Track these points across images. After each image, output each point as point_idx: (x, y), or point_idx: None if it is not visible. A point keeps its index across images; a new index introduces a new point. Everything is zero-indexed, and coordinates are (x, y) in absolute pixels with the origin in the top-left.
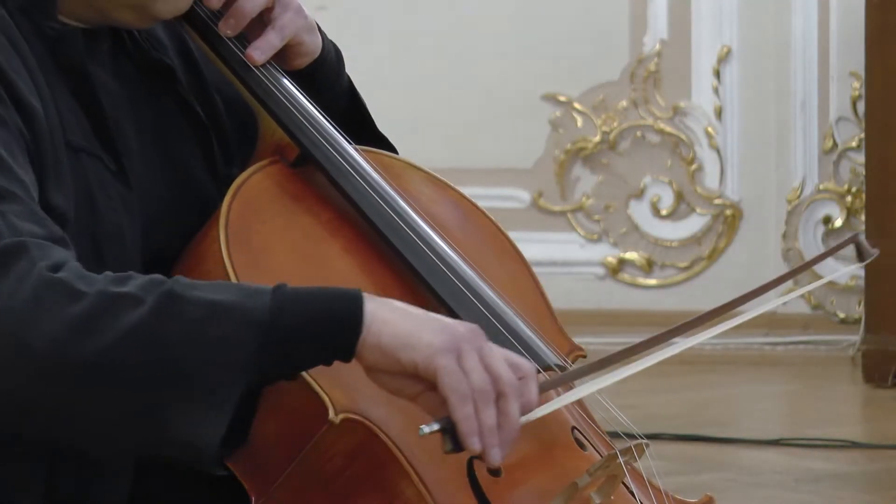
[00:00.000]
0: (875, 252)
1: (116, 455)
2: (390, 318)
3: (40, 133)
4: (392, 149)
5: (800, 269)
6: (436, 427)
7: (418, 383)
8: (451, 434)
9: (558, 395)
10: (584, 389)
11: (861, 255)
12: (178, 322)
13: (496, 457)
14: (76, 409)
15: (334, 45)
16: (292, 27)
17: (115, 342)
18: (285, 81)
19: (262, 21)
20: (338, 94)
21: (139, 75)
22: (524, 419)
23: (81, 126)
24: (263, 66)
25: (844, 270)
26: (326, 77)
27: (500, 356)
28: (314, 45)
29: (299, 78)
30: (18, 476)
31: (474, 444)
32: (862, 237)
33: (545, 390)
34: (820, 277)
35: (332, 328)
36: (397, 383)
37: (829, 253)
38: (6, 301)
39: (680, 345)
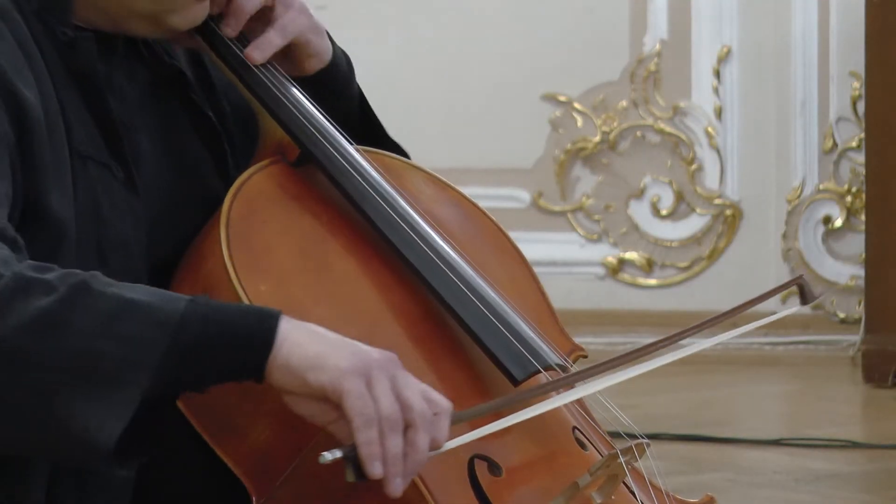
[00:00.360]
0: (819, 295)
1: (13, 446)
2: (302, 341)
3: (36, 132)
4: (405, 155)
5: (739, 309)
6: (338, 454)
7: (331, 410)
8: (353, 462)
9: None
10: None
11: (804, 298)
12: (87, 314)
13: (397, 487)
14: None
15: (345, 54)
16: (295, 26)
17: (21, 326)
18: (286, 81)
19: (265, 22)
20: (348, 102)
21: (152, 79)
22: (432, 454)
23: (90, 134)
24: (265, 66)
25: (785, 313)
26: (337, 84)
27: (414, 386)
28: (322, 47)
29: (309, 85)
30: (19, 480)
31: (375, 470)
32: (806, 279)
33: (458, 422)
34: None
35: (241, 343)
36: (310, 408)
37: (773, 293)
38: None
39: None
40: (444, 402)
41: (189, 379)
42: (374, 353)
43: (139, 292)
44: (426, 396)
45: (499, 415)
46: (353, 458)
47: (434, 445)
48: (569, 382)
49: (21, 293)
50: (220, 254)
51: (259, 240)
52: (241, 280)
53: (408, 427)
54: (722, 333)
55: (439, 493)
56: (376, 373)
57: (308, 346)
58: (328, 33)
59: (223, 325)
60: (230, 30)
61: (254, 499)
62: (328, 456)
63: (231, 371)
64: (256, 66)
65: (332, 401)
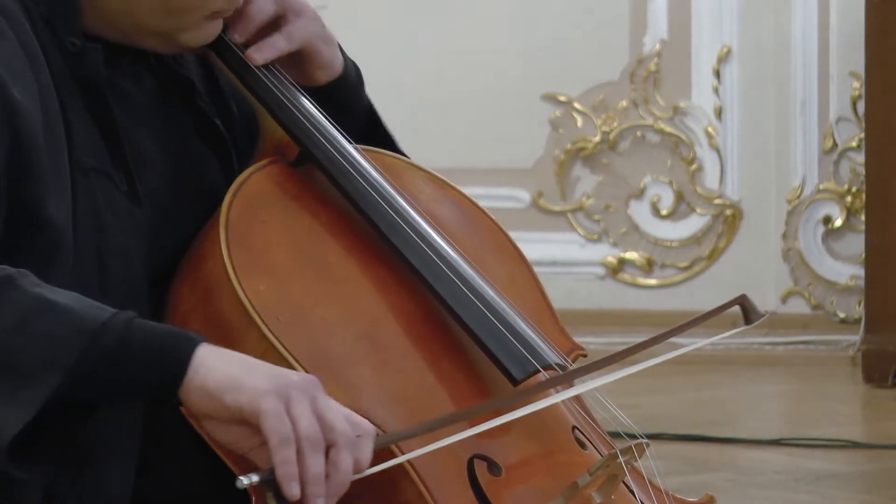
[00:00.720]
0: (764, 315)
1: None
2: (219, 364)
3: (31, 138)
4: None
5: (684, 327)
6: (255, 479)
7: (251, 435)
8: (272, 485)
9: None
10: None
11: (747, 318)
12: (6, 307)
13: None
14: None
15: (355, 65)
16: (303, 33)
17: None
18: (286, 81)
19: (275, 29)
20: (357, 115)
21: (159, 85)
22: (355, 476)
23: (94, 144)
24: (266, 67)
25: (730, 333)
26: (346, 97)
27: (336, 409)
28: (332, 57)
29: (317, 96)
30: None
31: (292, 490)
32: (748, 298)
33: (383, 445)
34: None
35: (156, 359)
36: (229, 433)
37: (715, 312)
38: None
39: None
40: (366, 425)
41: (100, 388)
42: (293, 375)
43: (67, 297)
44: (348, 419)
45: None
46: (271, 482)
47: (357, 468)
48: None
49: None
50: (219, 254)
51: (258, 240)
52: (241, 280)
53: (329, 447)
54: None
55: (438, 493)
56: (295, 393)
57: (226, 368)
58: (340, 46)
59: (143, 340)
60: (238, 36)
61: (253, 499)
62: (244, 480)
63: (144, 387)
64: (257, 67)
65: (250, 423)
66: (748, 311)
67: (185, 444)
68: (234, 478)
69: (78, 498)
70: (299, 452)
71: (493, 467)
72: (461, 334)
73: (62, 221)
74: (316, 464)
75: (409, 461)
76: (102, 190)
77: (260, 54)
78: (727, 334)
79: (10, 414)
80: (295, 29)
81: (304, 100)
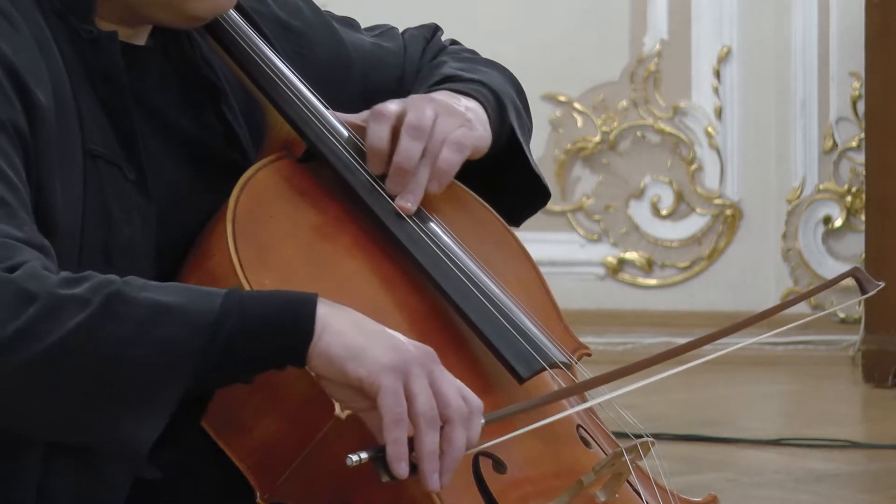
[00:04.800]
0: (880, 284)
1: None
2: (342, 329)
3: (43, 129)
4: (547, 192)
5: (781, 307)
6: (364, 456)
7: (364, 398)
8: (382, 462)
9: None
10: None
11: (863, 288)
12: (121, 323)
13: (434, 483)
14: (16, 405)
15: (495, 97)
16: (449, 164)
17: (54, 346)
18: (293, 76)
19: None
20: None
21: (183, 88)
22: (467, 452)
23: (104, 133)
24: (270, 61)
25: (849, 303)
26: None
27: (450, 382)
28: (481, 144)
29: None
30: (11, 474)
31: (401, 469)
32: (861, 269)
33: (489, 423)
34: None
35: (278, 336)
36: (345, 394)
37: (828, 285)
38: None
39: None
40: (477, 401)
41: (229, 373)
42: (412, 348)
43: (172, 294)
44: (461, 394)
45: (525, 416)
46: (381, 459)
47: (469, 445)
48: (599, 384)
49: (56, 313)
50: (226, 248)
51: (265, 235)
52: (247, 274)
53: (444, 423)
54: (757, 335)
55: (444, 491)
56: (415, 369)
57: (348, 335)
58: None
59: (262, 317)
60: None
61: (258, 494)
62: (353, 458)
63: (269, 362)
64: (263, 63)
65: (366, 392)
66: (862, 282)
67: (186, 445)
68: (233, 477)
69: (74, 498)
70: (416, 429)
71: (499, 465)
72: (466, 331)
73: (69, 214)
74: (431, 441)
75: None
76: (112, 182)
77: (412, 204)
78: (840, 306)
79: (143, 426)
80: (442, 167)
81: (312, 96)
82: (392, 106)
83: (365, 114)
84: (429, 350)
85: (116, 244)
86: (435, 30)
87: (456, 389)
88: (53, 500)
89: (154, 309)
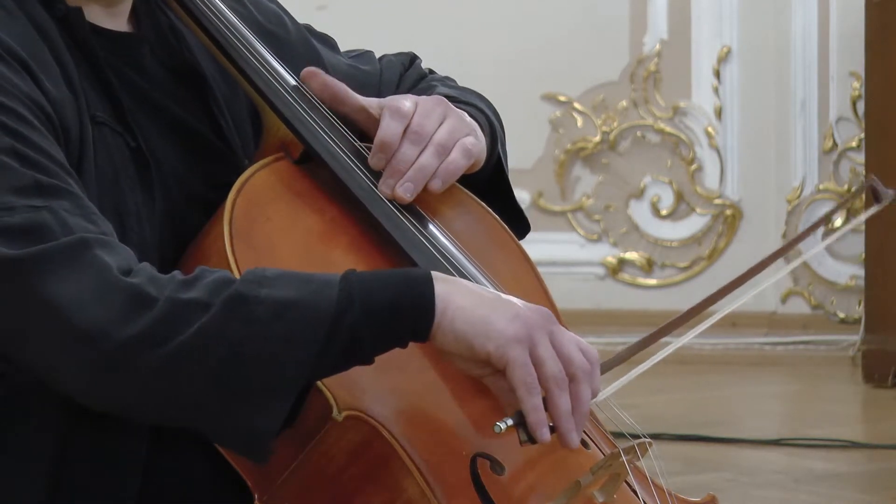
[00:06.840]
0: (890, 192)
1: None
2: (464, 304)
3: (70, 124)
4: (527, 225)
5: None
6: (510, 422)
7: (486, 367)
8: (523, 426)
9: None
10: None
11: (877, 198)
12: (244, 324)
13: (574, 441)
14: (143, 404)
15: (489, 124)
16: (455, 167)
17: (182, 349)
18: (288, 77)
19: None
20: (488, 169)
21: (167, 77)
22: (592, 402)
23: (103, 103)
24: (266, 60)
25: (864, 217)
26: (486, 167)
27: (570, 339)
28: (482, 158)
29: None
30: (21, 469)
31: (544, 435)
32: (876, 178)
33: (606, 371)
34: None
35: (402, 317)
36: (468, 366)
37: (845, 203)
38: (78, 304)
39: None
40: (594, 352)
41: (353, 359)
42: (532, 314)
43: (290, 286)
44: (581, 348)
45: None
46: (522, 424)
47: (593, 395)
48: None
49: (180, 320)
50: (223, 250)
51: (262, 236)
52: None
53: (571, 380)
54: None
55: (441, 491)
56: (538, 335)
57: (469, 310)
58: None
59: (379, 305)
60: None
61: (256, 496)
62: (501, 426)
63: (392, 343)
64: (259, 62)
65: (493, 365)
66: (878, 192)
67: (187, 445)
68: (234, 478)
69: (85, 494)
70: (548, 392)
71: (496, 466)
72: None
73: (86, 178)
74: (565, 402)
75: (411, 459)
76: (115, 148)
77: (410, 195)
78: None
79: (268, 417)
80: (448, 168)
81: (308, 96)
82: (408, 104)
83: (375, 101)
84: (545, 311)
85: (127, 211)
86: (413, 58)
87: (576, 345)
88: (67, 491)
89: (274, 307)
